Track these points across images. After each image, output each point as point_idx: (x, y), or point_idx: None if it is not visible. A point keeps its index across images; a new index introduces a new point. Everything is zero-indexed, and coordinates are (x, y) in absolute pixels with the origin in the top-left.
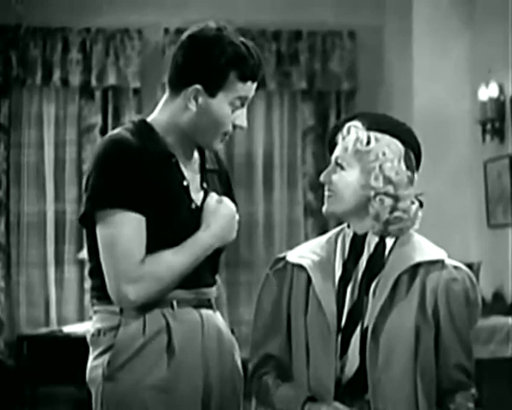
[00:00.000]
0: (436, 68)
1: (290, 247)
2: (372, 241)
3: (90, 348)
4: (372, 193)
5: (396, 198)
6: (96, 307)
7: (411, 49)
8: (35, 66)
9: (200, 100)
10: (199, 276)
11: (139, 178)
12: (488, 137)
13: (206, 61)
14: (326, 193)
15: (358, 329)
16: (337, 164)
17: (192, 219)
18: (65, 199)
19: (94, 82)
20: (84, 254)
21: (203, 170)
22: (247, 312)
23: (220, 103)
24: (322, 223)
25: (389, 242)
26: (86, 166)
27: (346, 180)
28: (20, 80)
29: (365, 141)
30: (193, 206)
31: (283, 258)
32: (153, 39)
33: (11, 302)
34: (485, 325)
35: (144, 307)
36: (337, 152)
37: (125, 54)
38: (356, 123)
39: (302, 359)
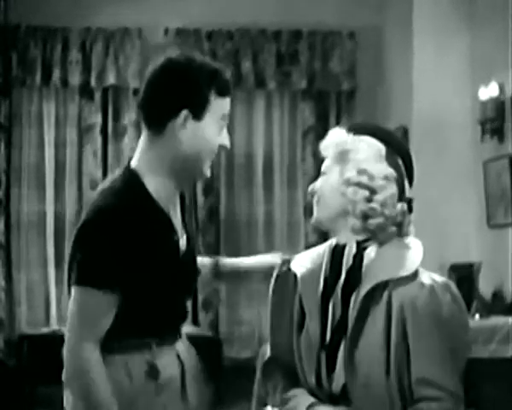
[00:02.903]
0: (436, 68)
1: (290, 247)
2: (350, 253)
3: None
4: (346, 184)
5: (371, 190)
6: None
7: (411, 49)
8: (35, 66)
9: (189, 126)
10: (177, 328)
11: (125, 252)
12: (488, 136)
13: (187, 87)
14: (314, 201)
15: (342, 345)
16: (322, 173)
17: (180, 269)
18: (65, 199)
19: (94, 82)
20: None
21: (183, 208)
22: (247, 312)
23: (208, 125)
24: None
25: (369, 253)
26: (86, 166)
27: (327, 183)
28: (19, 80)
29: (342, 141)
30: (181, 255)
31: (289, 261)
32: (153, 39)
33: (11, 302)
34: (486, 325)
35: (125, 349)
36: (324, 163)
37: (125, 54)
38: (338, 129)
39: (299, 367)
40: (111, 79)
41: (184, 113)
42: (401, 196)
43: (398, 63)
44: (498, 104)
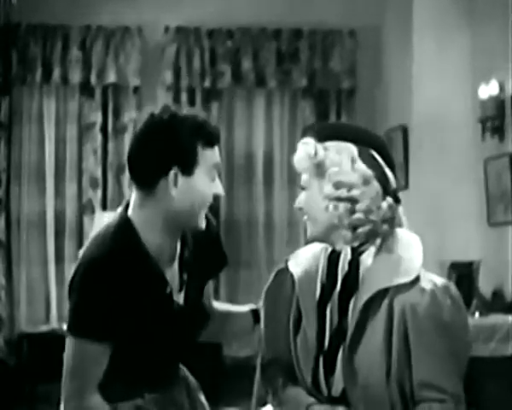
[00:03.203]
0: (436, 67)
1: (290, 246)
2: (346, 259)
3: None
4: (327, 201)
5: (352, 200)
6: None
7: (411, 48)
8: (35, 64)
9: (180, 183)
10: (172, 374)
11: (114, 301)
12: (488, 135)
13: (174, 145)
14: (304, 218)
15: (341, 350)
16: (301, 187)
17: (174, 320)
18: (65, 196)
19: (94, 80)
20: None
21: (182, 259)
22: (245, 297)
23: (200, 179)
24: None
25: (365, 258)
26: (86, 164)
27: (310, 200)
28: (20, 78)
29: (313, 154)
30: (175, 306)
31: (288, 260)
32: (153, 37)
33: (11, 300)
34: (486, 324)
35: (116, 396)
36: (301, 176)
37: (125, 52)
38: (306, 139)
39: (297, 370)
40: (111, 77)
41: (174, 171)
42: (385, 188)
43: (398, 62)
44: (499, 103)
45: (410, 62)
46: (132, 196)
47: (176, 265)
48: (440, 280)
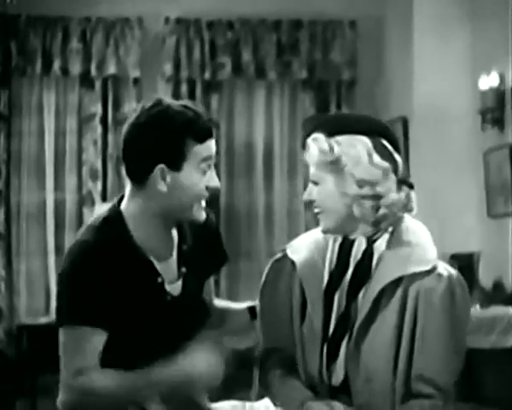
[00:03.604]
0: (437, 58)
1: (290, 237)
2: (360, 247)
3: None
4: (350, 200)
5: (376, 197)
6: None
7: (412, 39)
8: (35, 55)
9: (168, 178)
10: None
11: (105, 291)
12: (488, 126)
13: (160, 140)
14: (315, 211)
15: (346, 339)
16: (313, 182)
17: (167, 311)
18: (65, 188)
19: (94, 71)
20: None
21: (180, 252)
22: (245, 292)
23: (188, 174)
24: None
25: (379, 245)
26: (86, 156)
27: (324, 194)
28: (20, 70)
29: (328, 150)
30: (168, 298)
31: (285, 249)
32: (153, 29)
33: (11, 292)
34: (486, 316)
35: None
36: (310, 170)
37: (126, 43)
38: (315, 135)
39: (300, 357)
40: (111, 69)
41: (160, 166)
42: (396, 172)
43: (399, 53)
44: (499, 94)
45: (410, 54)
46: (126, 188)
47: (174, 257)
48: (454, 270)
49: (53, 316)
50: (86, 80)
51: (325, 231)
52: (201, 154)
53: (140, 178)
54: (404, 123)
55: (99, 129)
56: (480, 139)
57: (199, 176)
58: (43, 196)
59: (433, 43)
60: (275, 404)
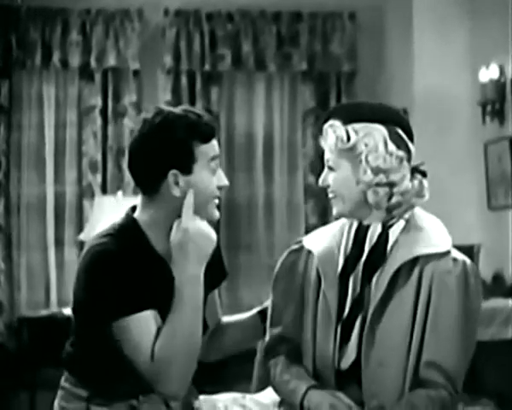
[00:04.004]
0: (437, 50)
1: (290, 230)
2: (375, 232)
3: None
4: (365, 187)
5: (390, 184)
6: (63, 383)
7: (412, 31)
8: (35, 47)
9: (181, 182)
10: None
11: (131, 282)
12: (488, 118)
13: (168, 146)
14: (329, 196)
15: (359, 321)
16: (329, 167)
17: None
18: (65, 180)
19: (94, 63)
20: (83, 236)
21: None
22: (247, 295)
23: (199, 175)
24: (322, 205)
25: (395, 230)
26: (86, 148)
27: (339, 180)
28: (19, 62)
29: (345, 138)
30: None
31: (300, 241)
32: (153, 20)
33: (11, 284)
34: (486, 308)
35: (111, 397)
36: (326, 155)
37: (125, 35)
38: (332, 121)
39: (309, 341)
40: (111, 61)
41: (173, 172)
42: (409, 160)
43: (399, 45)
44: (499, 86)
45: (410, 45)
46: (138, 198)
47: None
48: (468, 259)
49: (53, 309)
50: (86, 72)
51: (338, 216)
52: (209, 153)
53: (152, 187)
54: (405, 114)
55: (99, 121)
56: (480, 131)
57: (209, 175)
58: (43, 188)
59: (434, 35)
60: (277, 392)
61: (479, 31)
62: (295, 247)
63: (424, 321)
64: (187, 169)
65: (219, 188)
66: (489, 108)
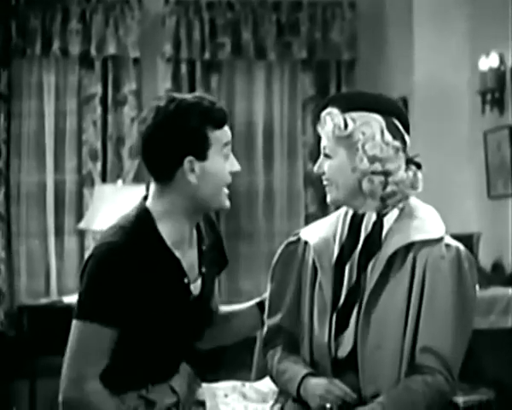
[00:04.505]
0: (436, 39)
1: (290, 218)
2: (370, 220)
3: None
4: (361, 175)
5: (385, 173)
6: None
7: (412, 19)
8: (35, 36)
9: (197, 169)
10: (177, 367)
11: (129, 290)
12: (488, 107)
13: (184, 133)
14: (324, 183)
15: (356, 309)
16: (325, 155)
17: (189, 311)
18: (65, 169)
19: (94, 52)
20: (83, 224)
21: (200, 251)
22: (247, 283)
23: (215, 161)
24: (322, 193)
25: (389, 219)
26: (86, 136)
27: (335, 168)
28: (19, 50)
29: (342, 125)
30: (191, 298)
31: (298, 233)
32: (153, 9)
33: (11, 273)
34: (485, 296)
35: (121, 387)
36: (322, 143)
37: (125, 24)
38: (330, 109)
39: (306, 331)
40: (111, 49)
41: (188, 159)
42: (405, 151)
43: (399, 33)
44: (499, 75)
45: (410, 33)
46: (151, 186)
47: (195, 256)
48: (462, 246)
49: (53, 297)
50: (86, 61)
51: (332, 203)
52: (222, 139)
53: (167, 175)
54: (404, 103)
55: (99, 109)
56: (479, 120)
57: (223, 161)
58: (43, 176)
59: (434, 24)
60: (275, 382)
61: (478, 19)
62: (292, 239)
63: (419, 306)
64: (202, 155)
65: (231, 174)
66: (489, 96)
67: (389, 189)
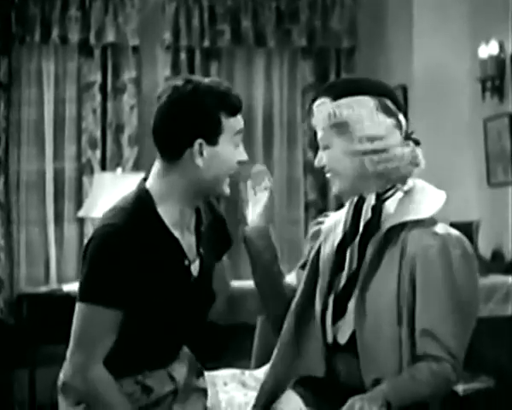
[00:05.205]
0: (436, 26)
1: (290, 205)
2: (369, 205)
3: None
4: (361, 157)
5: (384, 151)
6: None
7: (412, 7)
8: (34, 23)
9: (205, 153)
10: (177, 352)
11: (130, 272)
12: (488, 95)
13: (197, 116)
14: (327, 175)
15: (355, 295)
16: (322, 147)
17: (190, 292)
18: (64, 157)
19: (93, 39)
20: (83, 212)
21: (198, 233)
22: (248, 268)
23: (224, 147)
24: (321, 181)
25: (393, 200)
26: (85, 124)
27: (334, 157)
28: (19, 38)
29: (333, 114)
30: (192, 279)
31: (328, 215)
32: None
33: (11, 261)
34: (485, 284)
35: (118, 373)
36: (318, 135)
37: (125, 11)
38: (322, 100)
39: (312, 313)
40: (110, 37)
41: (199, 141)
42: (401, 129)
43: (399, 21)
44: (498, 62)
45: (410, 21)
46: (154, 165)
47: (193, 237)
48: (455, 232)
49: (52, 285)
50: (85, 48)
51: (339, 194)
52: (235, 127)
53: (176, 153)
54: (404, 91)
55: (98, 97)
56: (479, 108)
57: (232, 149)
58: (43, 164)
59: (433, 11)
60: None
61: (478, 7)
62: (320, 219)
63: (413, 293)
64: (213, 140)
65: (239, 163)
66: (489, 84)
67: (391, 165)
